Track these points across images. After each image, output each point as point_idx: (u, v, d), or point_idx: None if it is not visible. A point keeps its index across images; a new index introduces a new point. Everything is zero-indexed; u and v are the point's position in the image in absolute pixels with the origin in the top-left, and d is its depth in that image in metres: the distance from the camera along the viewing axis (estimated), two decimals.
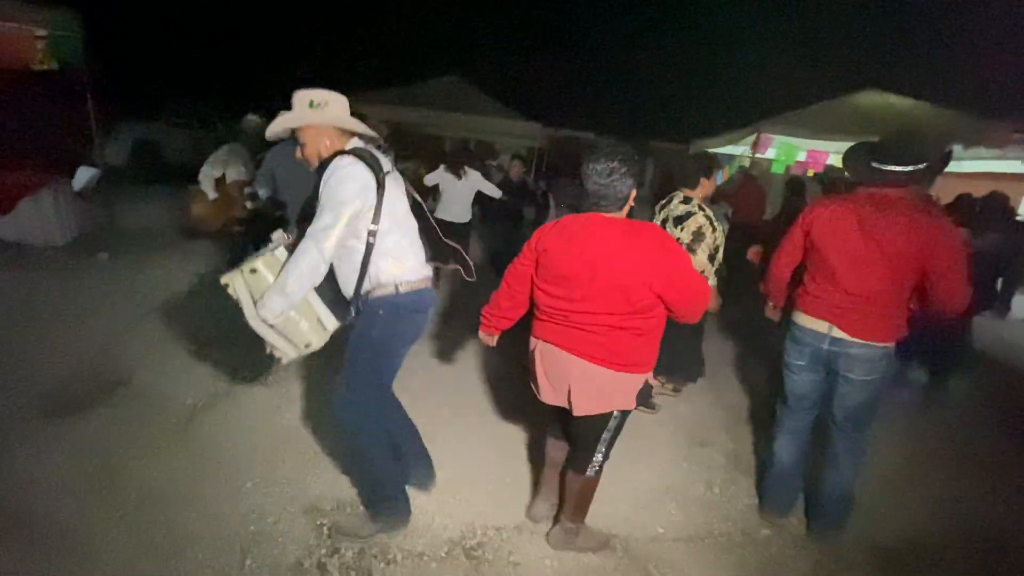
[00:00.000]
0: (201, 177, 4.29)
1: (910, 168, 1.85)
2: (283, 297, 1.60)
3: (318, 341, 1.76)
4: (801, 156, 8.26)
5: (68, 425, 2.40)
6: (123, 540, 1.83)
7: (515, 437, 2.73)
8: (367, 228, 1.68)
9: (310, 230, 1.61)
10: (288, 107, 1.78)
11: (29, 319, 3.40)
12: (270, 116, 2.69)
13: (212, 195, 4.30)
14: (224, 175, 4.27)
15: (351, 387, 1.80)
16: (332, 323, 1.79)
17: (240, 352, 3.17)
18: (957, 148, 7.30)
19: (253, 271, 1.66)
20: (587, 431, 1.80)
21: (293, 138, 1.86)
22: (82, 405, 2.56)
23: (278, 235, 1.79)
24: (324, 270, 1.64)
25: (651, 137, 15.18)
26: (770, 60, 20.03)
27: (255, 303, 1.63)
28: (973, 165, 8.21)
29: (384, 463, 1.91)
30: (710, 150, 11.59)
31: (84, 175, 5.35)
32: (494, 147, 13.53)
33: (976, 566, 2.17)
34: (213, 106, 12.10)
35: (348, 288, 1.78)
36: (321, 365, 2.86)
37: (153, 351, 3.16)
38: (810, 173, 8.25)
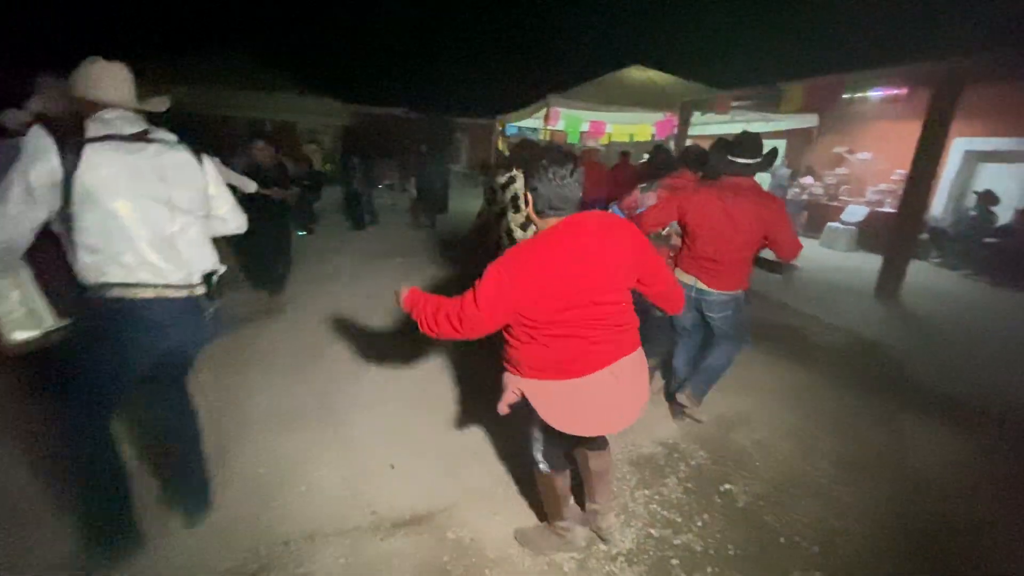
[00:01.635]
0: None
1: (754, 161, 2.51)
2: None
3: (20, 335, 1.58)
4: (585, 127, 9.20)
5: None
6: None
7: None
8: (49, 210, 1.45)
9: None
10: None
11: None
12: None
13: None
14: None
15: (73, 397, 1.56)
16: (50, 319, 1.63)
17: None
18: (696, 114, 8.82)
19: None
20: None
21: None
22: None
23: None
24: None
25: (460, 114, 15.39)
26: (554, 39, 21.81)
27: None
28: (711, 129, 10.03)
29: (105, 479, 1.66)
30: (513, 124, 12.23)
31: None
32: (295, 128, 12.38)
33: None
34: None
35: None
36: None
37: None
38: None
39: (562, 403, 1.59)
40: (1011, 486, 2.51)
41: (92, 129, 1.48)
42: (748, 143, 2.52)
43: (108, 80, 1.54)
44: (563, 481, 1.86)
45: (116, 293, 1.49)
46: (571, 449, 1.89)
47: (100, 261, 1.47)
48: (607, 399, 1.60)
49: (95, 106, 1.54)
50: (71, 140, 1.41)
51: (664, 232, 2.99)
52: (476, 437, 2.67)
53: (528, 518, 2.13)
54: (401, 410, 2.87)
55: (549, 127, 8.67)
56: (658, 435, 2.79)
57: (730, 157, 2.52)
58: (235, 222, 1.90)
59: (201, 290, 1.65)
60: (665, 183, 3.10)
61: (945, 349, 4.29)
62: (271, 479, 2.24)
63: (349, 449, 2.50)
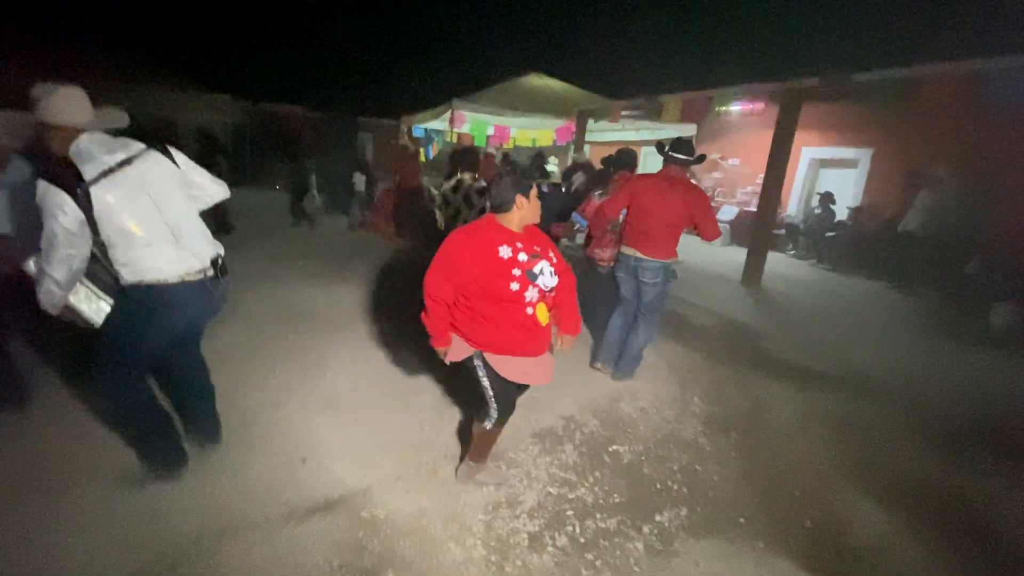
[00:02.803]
0: None
1: (686, 158, 3.22)
2: (49, 306, 1.85)
3: (99, 319, 1.93)
4: (490, 131, 9.50)
5: None
6: None
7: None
8: (86, 242, 1.78)
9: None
10: None
11: None
12: None
13: None
14: None
15: (104, 367, 1.94)
16: (108, 304, 1.94)
17: None
18: (591, 122, 9.48)
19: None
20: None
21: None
22: None
23: None
24: (62, 285, 1.79)
25: (363, 113, 15.04)
26: (460, 42, 22.10)
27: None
28: (606, 136, 10.81)
29: (146, 421, 2.10)
30: (422, 125, 12.23)
31: None
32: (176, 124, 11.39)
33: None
34: None
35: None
36: None
37: None
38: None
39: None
40: (841, 432, 3.12)
41: (86, 170, 1.70)
42: (684, 145, 3.25)
43: (72, 105, 1.75)
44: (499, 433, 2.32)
45: (149, 284, 1.86)
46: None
47: (132, 267, 1.84)
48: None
49: (63, 130, 1.74)
50: (75, 186, 1.66)
51: (620, 220, 3.53)
52: (383, 431, 2.78)
53: (438, 490, 2.30)
54: (306, 409, 2.90)
55: (455, 130, 8.85)
56: (557, 410, 3.09)
57: (670, 152, 3.25)
58: (220, 192, 2.19)
59: (211, 272, 2.01)
60: (615, 180, 3.86)
61: (797, 326, 5.10)
62: (177, 478, 2.20)
63: (257, 447, 2.50)
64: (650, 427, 3.01)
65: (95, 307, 1.94)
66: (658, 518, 2.26)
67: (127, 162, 1.80)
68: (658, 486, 2.47)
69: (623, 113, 8.59)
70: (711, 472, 2.61)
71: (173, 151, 1.99)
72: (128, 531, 1.91)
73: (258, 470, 2.33)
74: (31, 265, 1.88)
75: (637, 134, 10.74)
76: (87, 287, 1.92)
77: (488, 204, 2.10)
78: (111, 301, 1.95)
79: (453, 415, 2.97)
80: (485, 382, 2.12)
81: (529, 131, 10.02)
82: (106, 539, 1.87)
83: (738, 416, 3.21)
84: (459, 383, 3.35)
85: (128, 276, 1.85)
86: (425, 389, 3.26)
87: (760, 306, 5.79)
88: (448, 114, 8.86)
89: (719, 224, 3.42)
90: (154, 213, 1.85)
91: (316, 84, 18.60)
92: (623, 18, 23.15)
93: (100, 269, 1.88)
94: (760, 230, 6.62)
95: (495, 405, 2.15)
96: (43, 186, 1.65)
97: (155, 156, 1.90)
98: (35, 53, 8.59)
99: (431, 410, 3.01)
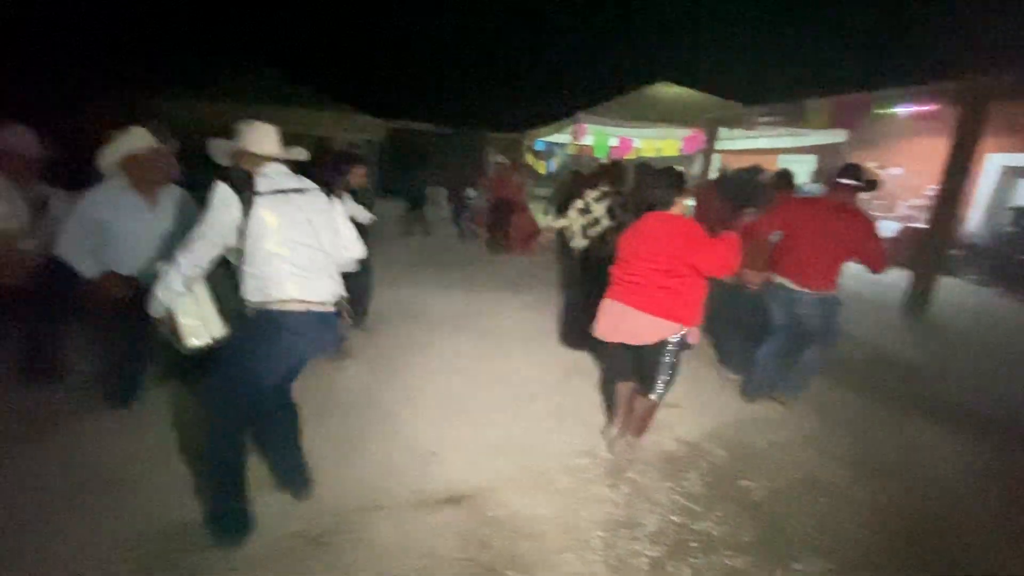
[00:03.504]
0: None
1: (856, 183, 3.03)
2: (153, 298, 1.90)
3: (197, 341, 1.96)
4: (614, 142, 9.43)
5: None
6: None
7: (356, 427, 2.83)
8: (229, 245, 1.87)
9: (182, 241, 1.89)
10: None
11: None
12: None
13: None
14: None
15: (217, 392, 1.93)
16: (219, 330, 1.98)
17: (30, 397, 2.80)
18: (723, 129, 8.95)
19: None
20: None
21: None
22: None
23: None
24: (184, 278, 1.86)
25: (488, 128, 15.77)
26: (584, 54, 22.20)
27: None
28: (738, 144, 10.12)
29: (229, 469, 1.97)
30: (544, 139, 12.53)
31: None
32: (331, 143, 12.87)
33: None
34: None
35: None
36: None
37: None
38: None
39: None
40: (1014, 491, 2.58)
41: (262, 184, 1.88)
42: (853, 170, 3.05)
43: (265, 138, 1.99)
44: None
45: (272, 307, 1.88)
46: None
47: (261, 284, 1.87)
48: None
49: (256, 158, 1.97)
50: (247, 193, 1.82)
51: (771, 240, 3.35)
52: (504, 434, 2.88)
53: (556, 500, 2.33)
54: (432, 406, 3.11)
55: (577, 143, 8.93)
56: (680, 433, 2.96)
57: (839, 180, 3.05)
58: (358, 252, 2.31)
59: (332, 308, 2.03)
60: (774, 200, 3.70)
61: (968, 365, 4.31)
62: (325, 459, 2.49)
63: (395, 437, 2.74)
64: (786, 464, 2.75)
65: (193, 324, 1.95)
66: (796, 567, 2.05)
67: (297, 191, 1.98)
68: (794, 531, 2.25)
69: (759, 119, 7.98)
70: (855, 522, 2.31)
71: (335, 200, 2.15)
72: (285, 499, 2.21)
73: (394, 460, 2.55)
74: (160, 265, 1.97)
75: (775, 141, 9.92)
76: (201, 307, 1.97)
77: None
78: (216, 333, 1.97)
79: (567, 426, 2.99)
80: (678, 356, 2.48)
81: (654, 141, 9.76)
82: (277, 503, 2.18)
83: (889, 462, 2.81)
84: (571, 393, 3.37)
85: (255, 294, 1.88)
86: (538, 396, 3.33)
87: (925, 339, 4.99)
88: (571, 127, 8.97)
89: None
90: (299, 241, 1.92)
91: (447, 102, 19.93)
92: (761, 17, 21.52)
93: (221, 291, 1.97)
94: (931, 250, 5.70)
95: (672, 377, 2.50)
96: (219, 185, 1.83)
97: (320, 196, 2.07)
98: (216, 81, 10.27)
99: (545, 418, 3.06)
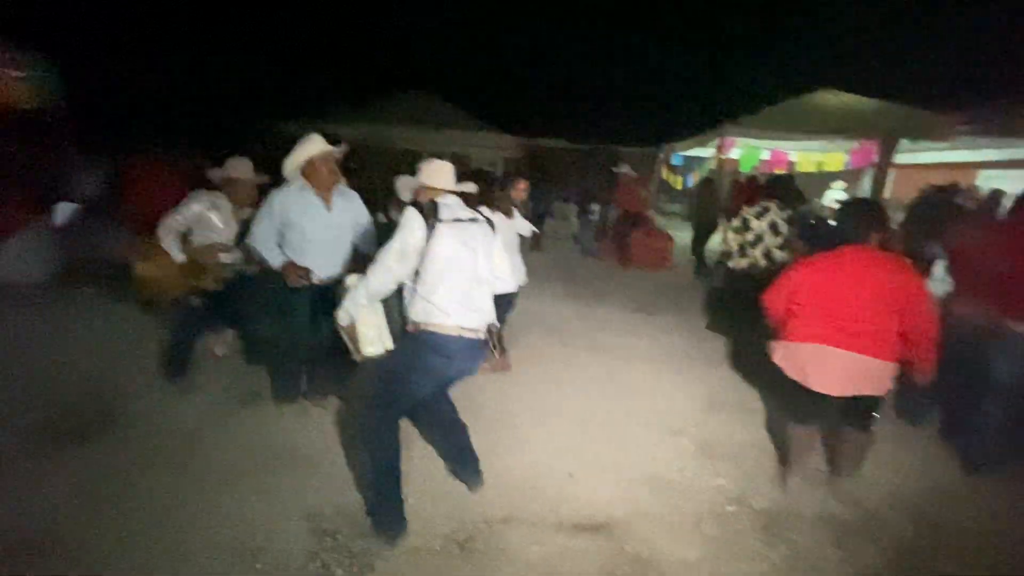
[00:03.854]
0: (162, 232, 3.02)
1: None
2: (342, 310, 2.17)
3: (371, 352, 2.20)
4: (765, 156, 8.66)
5: (74, 450, 2.53)
6: (134, 553, 1.95)
7: (496, 436, 2.90)
8: (412, 266, 2.06)
9: (373, 260, 2.10)
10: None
11: (17, 354, 3.48)
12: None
13: (178, 256, 3.06)
14: (191, 232, 3.11)
15: (374, 397, 2.14)
16: (390, 343, 2.21)
17: (227, 379, 3.36)
18: (904, 142, 7.74)
19: (342, 284, 2.30)
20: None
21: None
22: (86, 433, 2.67)
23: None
24: (372, 295, 2.11)
25: (621, 143, 15.51)
26: (731, 61, 20.80)
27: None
28: (923, 157, 8.66)
29: (387, 471, 2.12)
30: (682, 153, 11.98)
31: (64, 211, 5.42)
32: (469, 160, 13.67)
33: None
34: (178, 141, 12.31)
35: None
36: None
37: (144, 380, 3.28)
38: None
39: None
40: None
41: (444, 212, 2.07)
42: None
43: (441, 173, 2.23)
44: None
45: (433, 329, 2.05)
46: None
47: (427, 307, 2.05)
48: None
49: (434, 191, 2.19)
50: (431, 220, 2.02)
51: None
52: (644, 464, 2.76)
53: (704, 546, 2.16)
54: (570, 423, 3.09)
55: (722, 156, 8.37)
56: (856, 495, 2.57)
57: None
58: (512, 283, 2.48)
59: (483, 335, 2.18)
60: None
61: None
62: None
63: (532, 453, 2.77)
64: (1002, 555, 2.24)
65: (371, 335, 2.19)
66: None
67: (472, 221, 2.18)
68: None
69: (959, 127, 6.76)
70: None
71: (496, 232, 2.34)
72: (439, 504, 2.34)
73: (531, 476, 2.57)
74: (350, 279, 2.25)
75: (974, 154, 8.32)
76: (378, 319, 2.19)
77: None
78: (388, 344, 2.20)
79: (714, 466, 2.77)
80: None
81: (814, 154, 8.80)
82: (428, 506, 2.33)
83: None
84: (717, 428, 3.11)
85: (419, 315, 2.06)
86: (682, 428, 3.13)
87: None
88: (715, 140, 8.44)
89: None
90: (467, 269, 2.10)
91: (582, 118, 20.03)
92: (951, 11, 18.28)
93: (391, 314, 2.19)
94: None
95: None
96: (410, 211, 2.04)
97: (487, 227, 2.26)
98: (370, 103, 11.45)
99: (690, 454, 2.87)
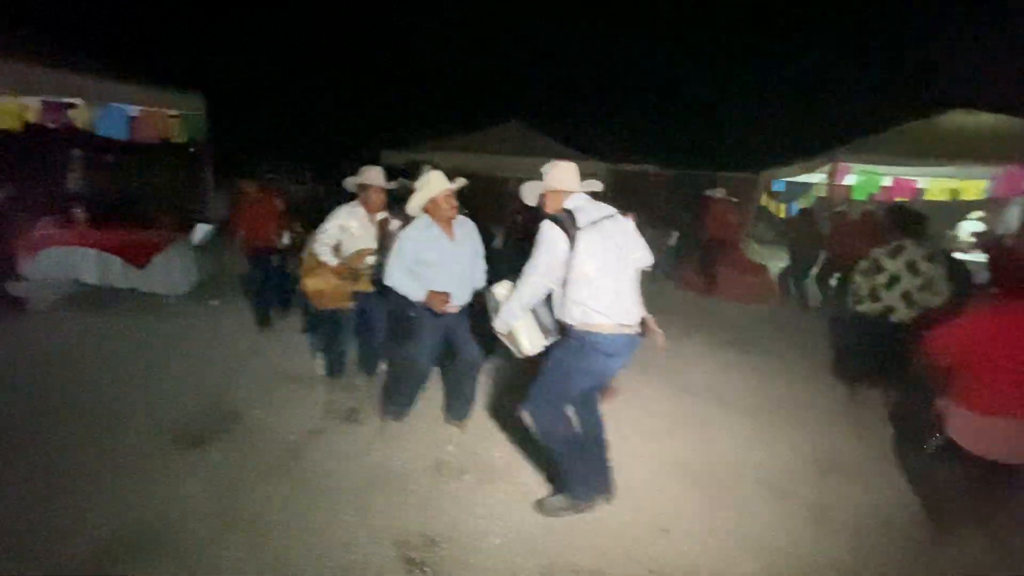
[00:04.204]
0: (318, 246, 3.30)
1: None
2: (501, 319, 2.34)
3: (533, 349, 2.37)
4: (886, 183, 7.82)
5: (195, 454, 2.78)
6: (241, 559, 2.08)
7: None
8: (558, 277, 2.16)
9: (521, 273, 2.23)
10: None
11: (161, 360, 3.96)
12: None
13: (332, 261, 3.31)
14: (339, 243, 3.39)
15: (535, 395, 2.32)
16: (545, 340, 2.35)
17: (333, 393, 3.54)
18: None
19: (489, 291, 2.51)
20: None
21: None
22: (205, 437, 2.94)
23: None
24: (525, 305, 2.26)
25: (717, 168, 14.82)
26: (843, 80, 19.21)
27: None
28: None
29: (567, 447, 2.33)
30: (786, 179, 11.19)
31: (201, 231, 6.16)
32: None
33: None
34: (303, 164, 13.73)
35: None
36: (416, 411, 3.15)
37: (260, 389, 3.57)
38: None
39: None
40: None
41: (580, 218, 2.13)
42: None
43: (567, 175, 2.31)
44: None
45: (594, 329, 2.14)
46: None
47: (583, 309, 2.14)
48: None
49: (560, 193, 2.28)
50: (570, 229, 2.09)
51: None
52: (749, 526, 2.49)
53: None
54: (672, 476, 2.88)
55: (834, 183, 7.67)
56: None
57: None
58: (648, 260, 2.44)
59: (637, 329, 2.26)
60: None
61: None
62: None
63: (625, 500, 2.56)
64: None
65: (530, 340, 2.37)
66: None
67: (608, 218, 2.21)
68: None
69: None
70: None
71: (630, 221, 2.36)
72: (529, 544, 2.27)
73: (625, 525, 2.41)
74: (499, 288, 2.44)
75: None
76: (530, 323, 2.34)
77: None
78: (546, 341, 2.35)
79: (832, 537, 2.43)
80: None
81: (948, 181, 7.83)
82: (514, 548, 2.26)
83: None
84: (832, 494, 2.74)
85: (576, 317, 2.15)
86: (793, 490, 2.79)
87: None
88: (826, 166, 7.77)
89: None
90: (613, 265, 2.16)
91: (667, 140, 19.41)
92: None
93: (545, 314, 2.31)
94: None
95: None
96: (548, 224, 2.13)
97: (623, 220, 2.30)
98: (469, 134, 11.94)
99: (804, 522, 2.55)
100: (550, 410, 2.30)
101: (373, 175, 3.35)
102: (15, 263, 5.55)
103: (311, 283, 3.39)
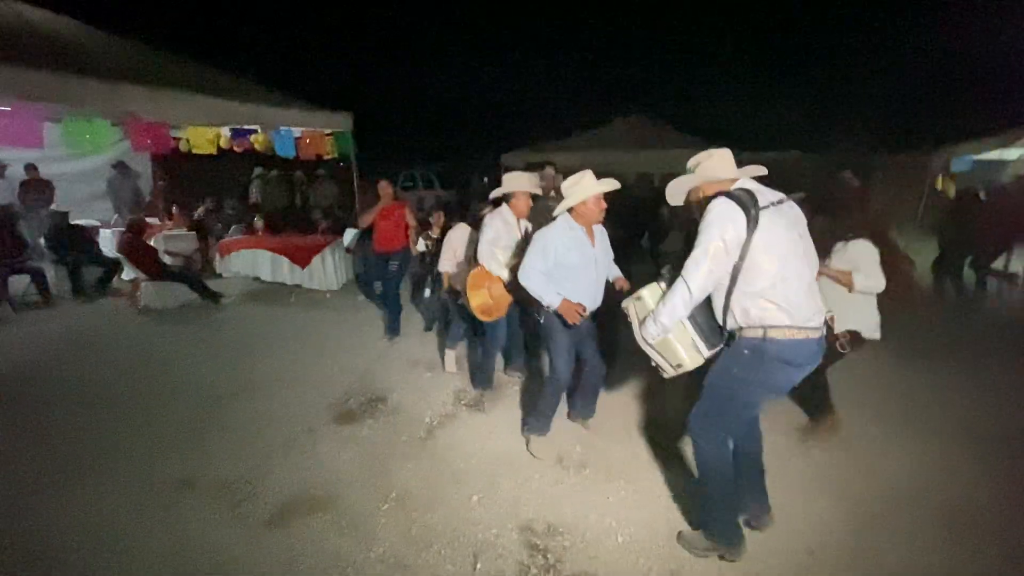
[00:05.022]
0: (488, 259, 3.21)
1: None
2: (656, 324, 1.91)
3: (691, 363, 1.97)
4: None
5: (348, 430, 3.17)
6: (391, 527, 2.33)
7: None
8: (732, 264, 1.76)
9: (684, 265, 1.83)
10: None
11: (320, 346, 4.56)
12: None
13: (501, 273, 3.23)
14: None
15: (698, 415, 1.99)
16: (705, 349, 1.96)
17: (464, 380, 3.77)
18: None
19: (639, 299, 2.05)
20: None
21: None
22: (356, 416, 3.34)
23: (666, 270, 2.07)
24: (692, 302, 1.84)
25: (874, 150, 12.87)
26: None
27: (641, 325, 2.00)
28: None
29: (720, 489, 2.00)
30: (973, 156, 9.41)
31: (350, 235, 6.96)
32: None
33: None
34: (435, 170, 14.87)
35: (719, 320, 1.92)
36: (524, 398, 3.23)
37: (400, 375, 3.96)
38: None
39: None
40: None
41: (760, 199, 1.75)
42: None
43: (726, 163, 1.94)
44: None
45: (772, 334, 1.76)
46: None
47: (760, 310, 1.76)
48: None
49: (715, 185, 1.90)
50: (751, 207, 1.72)
51: None
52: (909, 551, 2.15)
53: None
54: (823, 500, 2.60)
55: None
56: None
57: None
58: (816, 264, 1.97)
59: (823, 332, 1.85)
60: None
61: None
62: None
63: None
64: None
65: (688, 351, 1.95)
66: None
67: (786, 203, 1.85)
68: None
69: None
70: None
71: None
72: (653, 538, 2.22)
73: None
74: (647, 292, 2.01)
75: None
76: (688, 330, 1.94)
77: None
78: (707, 352, 1.96)
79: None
80: None
81: None
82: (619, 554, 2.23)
83: None
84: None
85: (753, 316, 1.78)
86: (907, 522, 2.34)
87: None
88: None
89: None
90: (796, 255, 1.79)
91: (817, 124, 17.30)
92: None
93: (706, 319, 1.94)
94: None
95: None
96: (722, 202, 1.75)
97: (797, 207, 1.91)
98: (595, 129, 11.78)
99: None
100: (712, 436, 1.96)
101: (522, 181, 3.27)
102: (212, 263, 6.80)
103: (477, 299, 3.25)
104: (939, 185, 10.28)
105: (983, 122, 8.77)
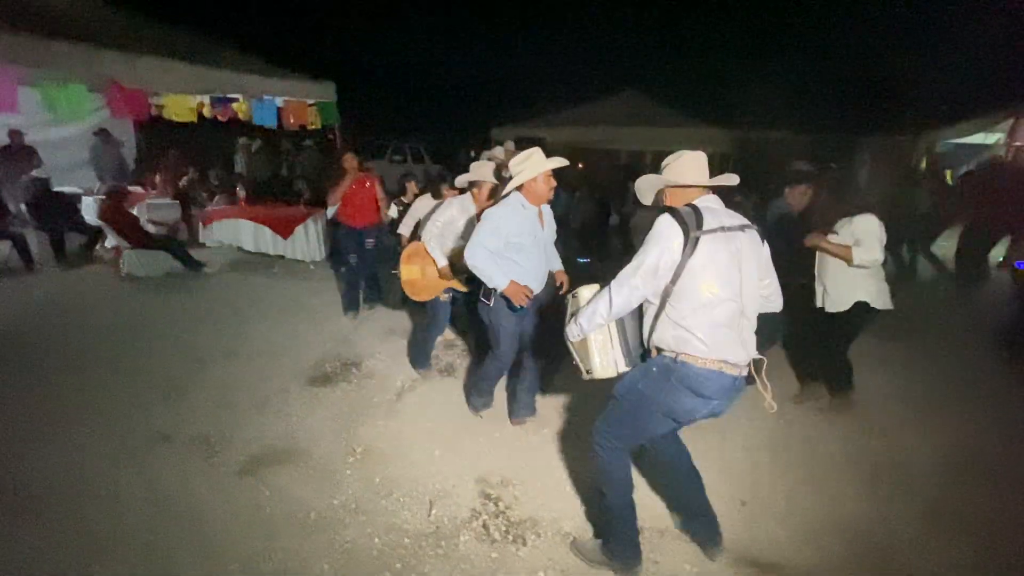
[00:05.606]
0: (426, 237, 3.22)
1: None
2: (575, 324, 1.89)
3: (602, 372, 1.92)
4: None
5: (323, 393, 3.31)
6: (356, 478, 2.49)
7: None
8: (664, 285, 1.71)
9: (617, 275, 1.78)
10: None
11: (300, 314, 4.67)
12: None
13: (441, 261, 3.20)
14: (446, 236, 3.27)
15: (601, 423, 1.92)
16: (623, 364, 1.92)
17: (439, 347, 3.92)
18: None
19: (575, 295, 2.01)
20: None
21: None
22: (331, 380, 3.47)
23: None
24: (612, 312, 1.79)
25: (862, 132, 12.89)
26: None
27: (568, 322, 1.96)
28: None
29: (617, 499, 1.93)
30: (953, 140, 9.52)
31: (333, 209, 6.98)
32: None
33: None
34: (424, 143, 14.76)
35: (642, 336, 1.86)
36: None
37: (377, 342, 4.09)
38: None
39: None
40: None
41: (709, 221, 1.68)
42: None
43: (692, 167, 1.84)
44: None
45: (687, 360, 1.69)
46: None
47: (681, 333, 1.69)
48: None
49: (684, 191, 1.84)
50: (692, 229, 1.65)
51: None
52: (834, 507, 2.35)
53: None
54: (750, 455, 2.78)
55: (1016, 143, 6.37)
56: None
57: None
58: (776, 303, 1.97)
59: (745, 372, 1.76)
60: None
61: None
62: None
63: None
64: None
65: (603, 359, 1.91)
66: None
67: (740, 229, 1.75)
68: None
69: None
70: None
71: (765, 242, 1.86)
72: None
73: None
74: (583, 291, 1.97)
75: None
76: (610, 339, 1.91)
77: None
78: (621, 366, 1.91)
79: None
80: None
81: None
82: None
83: None
84: None
85: (670, 342, 1.72)
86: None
87: None
88: (1009, 123, 6.48)
89: None
90: (734, 288, 1.69)
91: (803, 103, 17.19)
92: None
93: (633, 332, 1.89)
94: None
95: None
96: (666, 219, 1.69)
97: (757, 236, 1.81)
98: (573, 105, 11.70)
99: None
100: (611, 445, 1.89)
101: (484, 171, 3.17)
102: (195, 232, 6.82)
103: (408, 272, 3.32)
104: (949, 179, 10.21)
105: (965, 107, 8.83)
